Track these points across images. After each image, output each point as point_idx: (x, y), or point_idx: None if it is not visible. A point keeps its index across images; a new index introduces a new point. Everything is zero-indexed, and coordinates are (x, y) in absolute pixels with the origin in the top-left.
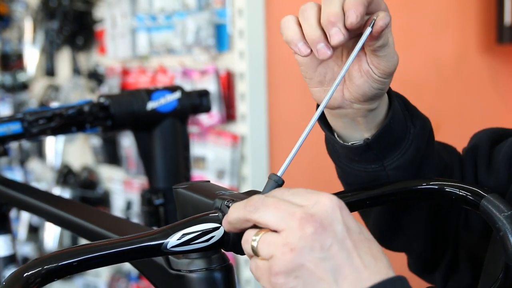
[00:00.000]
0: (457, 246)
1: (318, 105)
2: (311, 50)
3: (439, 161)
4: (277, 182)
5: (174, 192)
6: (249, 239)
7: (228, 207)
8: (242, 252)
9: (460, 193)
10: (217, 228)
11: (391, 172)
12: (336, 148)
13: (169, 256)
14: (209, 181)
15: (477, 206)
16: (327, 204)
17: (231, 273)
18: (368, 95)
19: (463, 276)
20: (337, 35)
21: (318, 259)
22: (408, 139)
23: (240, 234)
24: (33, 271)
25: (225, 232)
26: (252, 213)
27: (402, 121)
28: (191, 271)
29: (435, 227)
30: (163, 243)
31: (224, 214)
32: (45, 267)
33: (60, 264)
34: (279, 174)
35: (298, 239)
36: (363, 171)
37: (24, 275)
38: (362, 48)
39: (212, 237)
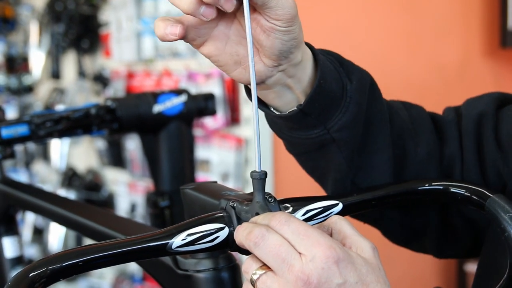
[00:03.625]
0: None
1: (246, 87)
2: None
3: (396, 119)
4: (261, 178)
5: (181, 192)
6: (249, 271)
7: (233, 207)
8: (247, 253)
9: (465, 194)
10: (222, 228)
11: (335, 134)
12: (275, 120)
13: (177, 256)
14: (216, 182)
15: (482, 207)
16: (323, 261)
17: (237, 272)
18: (284, 50)
19: (461, 239)
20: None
21: None
22: (345, 96)
23: None
24: (38, 271)
25: (229, 232)
26: (252, 248)
27: (336, 79)
28: (198, 271)
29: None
30: (168, 243)
31: (228, 214)
32: (50, 267)
33: (65, 264)
34: (257, 169)
35: None
36: (306, 138)
37: (30, 275)
38: (255, 9)
39: (217, 237)
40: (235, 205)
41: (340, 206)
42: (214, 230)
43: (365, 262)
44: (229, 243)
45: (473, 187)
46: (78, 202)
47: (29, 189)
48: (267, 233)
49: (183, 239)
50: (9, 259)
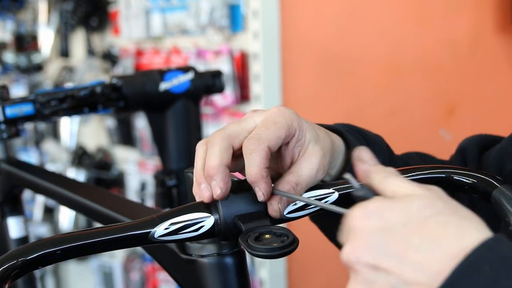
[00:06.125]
0: None
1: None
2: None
3: None
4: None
5: (186, 176)
6: None
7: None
8: (234, 242)
9: (471, 182)
10: (207, 217)
11: None
12: None
13: None
14: None
15: (488, 197)
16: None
17: (243, 258)
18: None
19: None
20: (215, 189)
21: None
22: None
23: (231, 224)
24: (10, 263)
25: (215, 222)
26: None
27: None
28: (202, 256)
29: None
30: (149, 232)
31: (215, 204)
32: (21, 258)
33: (39, 254)
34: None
35: None
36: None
37: (1, 268)
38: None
39: (202, 226)
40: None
41: (336, 195)
42: (198, 220)
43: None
44: (215, 232)
45: (479, 175)
46: (83, 184)
47: (34, 169)
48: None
49: (165, 228)
50: (14, 239)
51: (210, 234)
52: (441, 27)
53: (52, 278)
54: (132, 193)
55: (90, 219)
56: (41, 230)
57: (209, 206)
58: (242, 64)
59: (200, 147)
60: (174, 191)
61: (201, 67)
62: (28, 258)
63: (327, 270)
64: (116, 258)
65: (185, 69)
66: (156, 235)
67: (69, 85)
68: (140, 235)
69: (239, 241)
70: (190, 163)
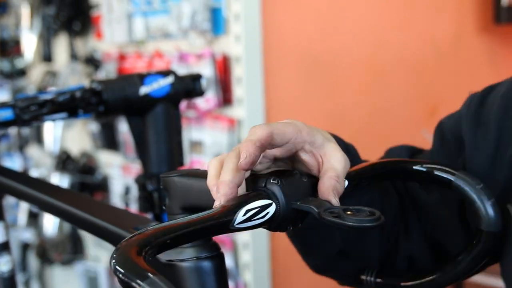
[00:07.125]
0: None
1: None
2: None
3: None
4: None
5: (164, 180)
6: None
7: (276, 183)
8: (285, 230)
9: (430, 173)
10: (271, 204)
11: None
12: None
13: None
14: (198, 169)
15: (449, 185)
16: None
17: (222, 261)
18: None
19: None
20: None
21: None
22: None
23: (288, 210)
24: (146, 239)
25: (276, 209)
26: None
27: None
28: (181, 260)
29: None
30: (231, 219)
31: (272, 190)
32: (155, 239)
33: (160, 239)
34: None
35: None
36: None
37: (138, 243)
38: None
39: (267, 213)
40: (277, 181)
41: None
42: (266, 205)
43: None
44: (274, 219)
45: (437, 166)
46: (61, 189)
47: (14, 175)
48: None
49: (243, 215)
50: None
51: (270, 221)
52: (423, 27)
53: (37, 282)
54: (116, 197)
55: (73, 226)
56: (26, 235)
57: (268, 193)
58: (224, 67)
59: None
60: (155, 195)
61: (183, 70)
62: (159, 240)
63: (311, 272)
64: (101, 262)
65: (165, 73)
66: (235, 222)
67: (52, 89)
68: (225, 222)
69: (324, 218)
70: (171, 167)
